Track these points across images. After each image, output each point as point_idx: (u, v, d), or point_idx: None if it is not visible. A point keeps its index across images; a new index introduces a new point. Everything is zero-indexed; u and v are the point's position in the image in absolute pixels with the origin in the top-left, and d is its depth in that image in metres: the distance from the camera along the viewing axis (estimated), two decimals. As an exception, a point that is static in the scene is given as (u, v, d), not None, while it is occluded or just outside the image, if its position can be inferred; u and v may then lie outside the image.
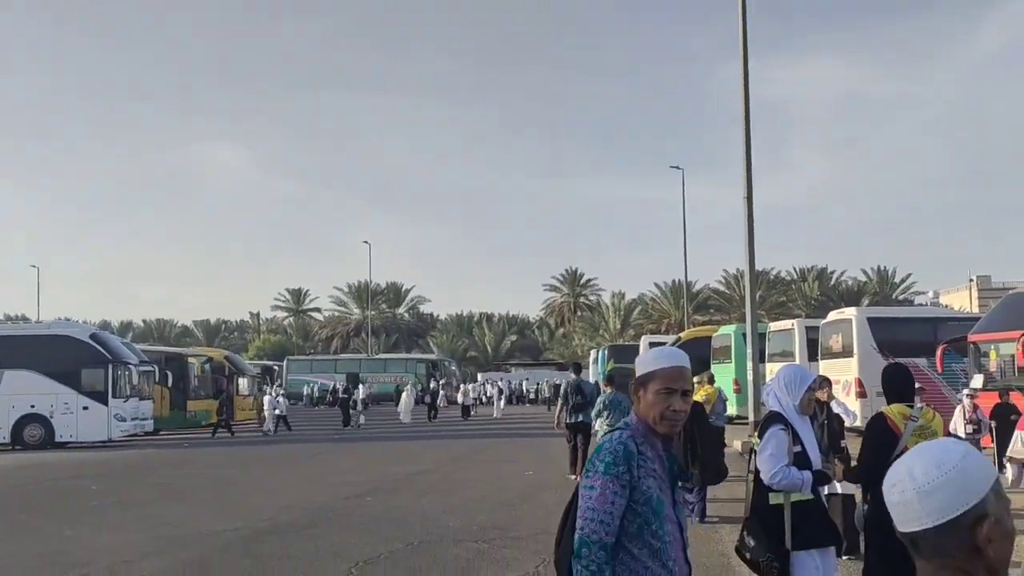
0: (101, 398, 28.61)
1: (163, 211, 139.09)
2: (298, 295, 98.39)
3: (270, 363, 68.55)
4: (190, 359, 39.37)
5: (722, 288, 78.09)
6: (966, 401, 16.10)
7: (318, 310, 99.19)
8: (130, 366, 30.23)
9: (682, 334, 39.00)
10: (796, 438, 5.46)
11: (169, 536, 11.66)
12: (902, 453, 5.60)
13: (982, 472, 1.73)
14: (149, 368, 32.40)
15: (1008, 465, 14.15)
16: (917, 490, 1.72)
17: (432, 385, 45.51)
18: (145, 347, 39.70)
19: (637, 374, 3.32)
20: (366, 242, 72.84)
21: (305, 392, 62.26)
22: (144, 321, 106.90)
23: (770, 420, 5.58)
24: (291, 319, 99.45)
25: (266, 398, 35.86)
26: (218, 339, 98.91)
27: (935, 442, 1.83)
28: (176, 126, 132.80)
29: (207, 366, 39.74)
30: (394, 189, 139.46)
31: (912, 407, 6.15)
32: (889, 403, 6.32)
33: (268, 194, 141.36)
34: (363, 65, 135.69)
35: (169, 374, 35.53)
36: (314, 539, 11.25)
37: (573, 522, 3.21)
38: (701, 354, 32.34)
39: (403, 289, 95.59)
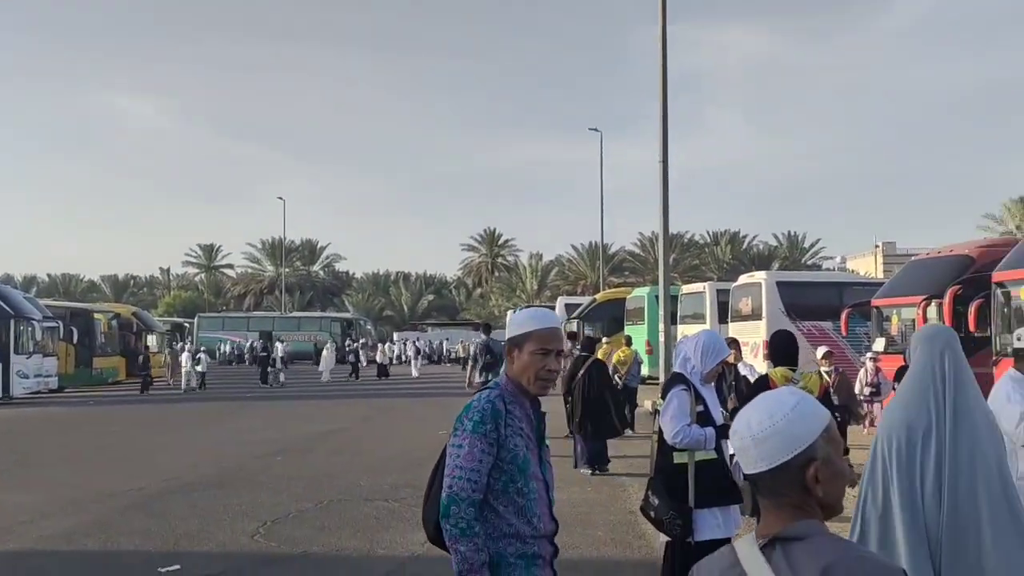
0: (1, 354, 27.73)
1: (70, 162, 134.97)
2: (210, 251, 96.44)
3: (180, 320, 67.17)
4: (96, 315, 38.35)
5: (638, 251, 78.90)
6: (868, 364, 16.57)
7: (231, 266, 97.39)
8: (33, 321, 29.34)
9: (597, 296, 39.32)
10: (699, 398, 5.56)
11: (70, 496, 11.40)
12: None
13: (811, 420, 1.88)
14: (53, 324, 31.48)
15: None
16: (753, 438, 1.88)
17: (354, 344, 45.36)
18: (49, 302, 38.49)
19: (509, 335, 3.35)
20: (280, 198, 71.60)
21: (221, 350, 61.15)
22: (49, 276, 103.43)
23: (672, 381, 5.68)
24: (203, 275, 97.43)
25: (184, 355, 35.14)
26: (126, 295, 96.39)
27: (772, 393, 1.98)
28: (84, 74, 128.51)
29: (114, 322, 38.79)
30: (311, 144, 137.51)
31: (795, 370, 6.54)
32: (775, 366, 6.68)
33: (180, 147, 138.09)
34: (281, 14, 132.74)
35: (74, 330, 34.52)
36: (222, 498, 11.11)
37: (441, 481, 3.23)
38: (616, 315, 32.83)
39: (318, 246, 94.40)
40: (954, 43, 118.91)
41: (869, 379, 16.28)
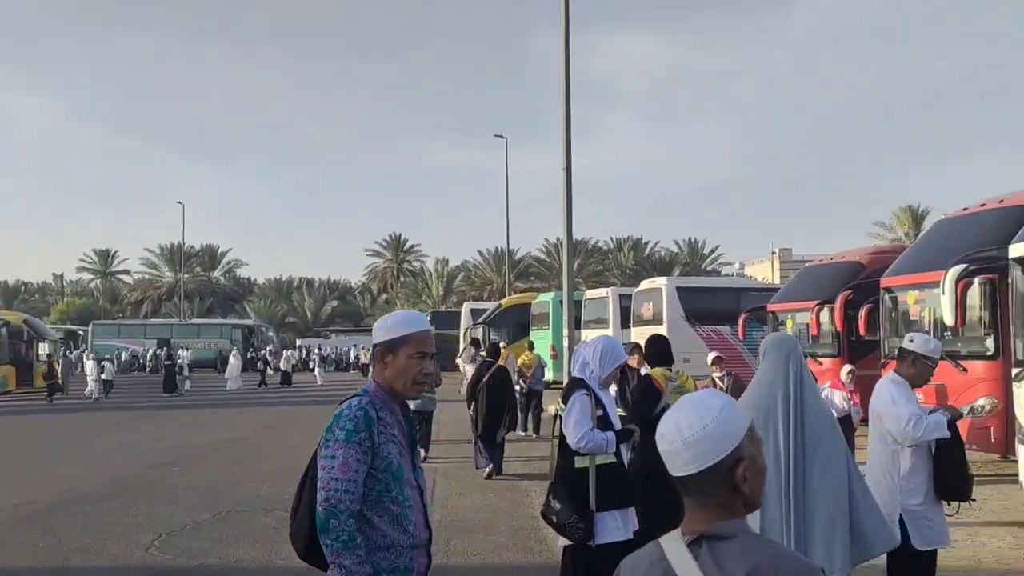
0: None
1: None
2: (106, 256, 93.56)
3: (74, 328, 65.02)
4: (-16, 323, 36.82)
5: (543, 256, 79.39)
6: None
7: (128, 272, 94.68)
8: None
9: (503, 301, 39.50)
10: (598, 402, 5.64)
11: (-46, 511, 10.93)
12: (665, 407, 6.29)
13: (738, 421, 1.95)
14: (-63, 332, 30.16)
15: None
16: (683, 441, 1.92)
17: (262, 351, 44.80)
18: (-67, 309, 36.86)
19: (381, 339, 3.29)
20: (180, 202, 69.81)
21: (120, 358, 59.24)
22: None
23: (573, 386, 5.74)
24: (98, 282, 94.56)
25: (89, 363, 33.94)
26: (17, 302, 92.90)
27: (698, 396, 2.03)
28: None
29: (3, 330, 37.27)
30: (212, 146, 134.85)
31: (671, 370, 7.14)
32: (652, 367, 7.09)
33: (74, 148, 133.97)
34: (181, 11, 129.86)
35: (-40, 339, 33.13)
36: (116, 510, 10.79)
37: (311, 495, 3.16)
38: (521, 320, 33.05)
39: (219, 252, 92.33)
40: (850, 54, 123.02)
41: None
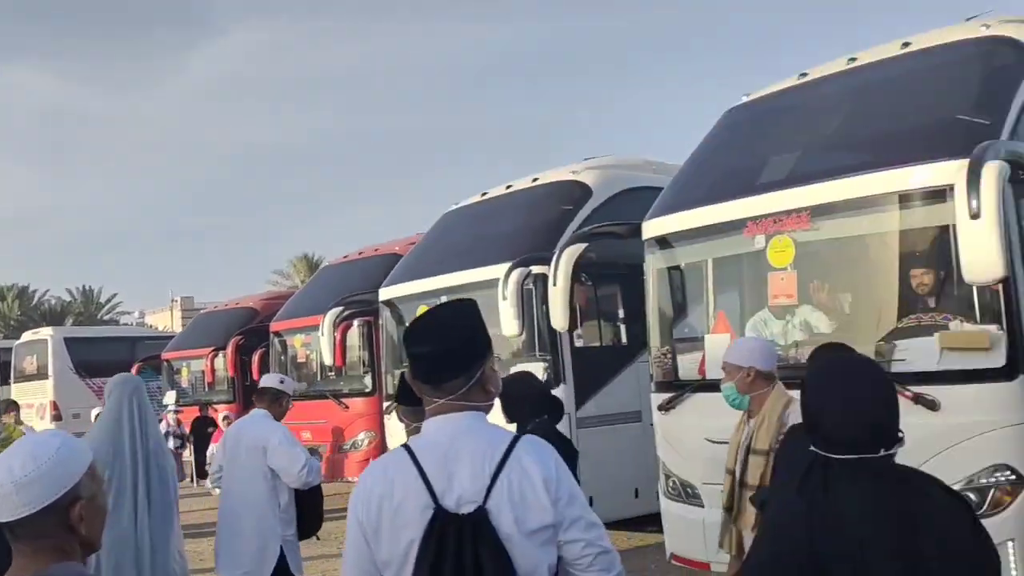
0: None
1: None
2: None
3: None
4: None
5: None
6: (170, 416, 16.62)
7: None
8: None
9: None
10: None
11: None
12: None
13: (76, 460, 1.91)
14: None
15: (210, 471, 15.03)
16: (15, 483, 1.83)
17: None
18: None
19: None
20: None
21: None
22: None
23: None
24: None
25: None
26: None
27: (36, 437, 1.98)
28: None
29: None
30: None
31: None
32: None
33: None
34: None
35: None
36: None
37: None
38: None
39: None
40: (247, 106, 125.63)
41: (172, 430, 16.23)
